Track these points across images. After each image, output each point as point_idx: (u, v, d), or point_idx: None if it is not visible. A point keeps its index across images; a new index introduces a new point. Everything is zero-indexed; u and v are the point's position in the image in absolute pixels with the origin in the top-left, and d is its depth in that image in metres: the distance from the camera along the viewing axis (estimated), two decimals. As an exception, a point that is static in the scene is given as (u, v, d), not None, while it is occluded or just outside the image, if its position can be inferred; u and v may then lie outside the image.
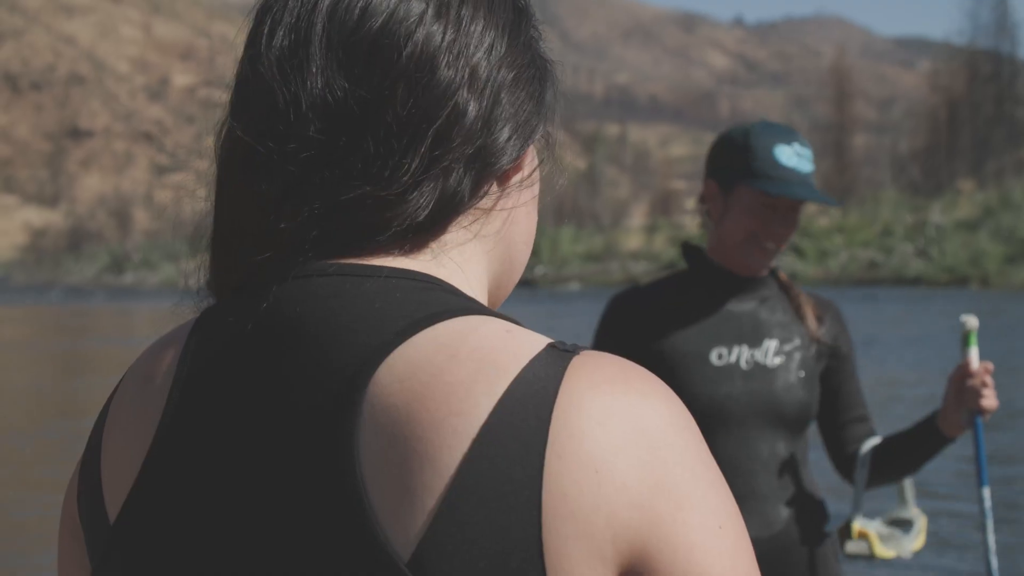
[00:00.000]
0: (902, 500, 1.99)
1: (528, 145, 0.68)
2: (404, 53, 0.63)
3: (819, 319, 1.96)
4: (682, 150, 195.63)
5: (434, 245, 0.64)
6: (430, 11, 0.64)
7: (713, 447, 1.86)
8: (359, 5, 0.64)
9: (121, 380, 0.67)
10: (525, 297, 33.67)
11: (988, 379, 1.85)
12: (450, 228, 0.65)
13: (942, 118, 68.91)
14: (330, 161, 0.62)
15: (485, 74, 0.65)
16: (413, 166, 0.62)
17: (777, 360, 1.89)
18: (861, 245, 42.27)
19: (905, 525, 1.95)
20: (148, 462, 0.62)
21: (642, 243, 52.37)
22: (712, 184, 1.92)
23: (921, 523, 1.96)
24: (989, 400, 1.84)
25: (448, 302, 0.60)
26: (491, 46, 0.66)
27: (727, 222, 1.89)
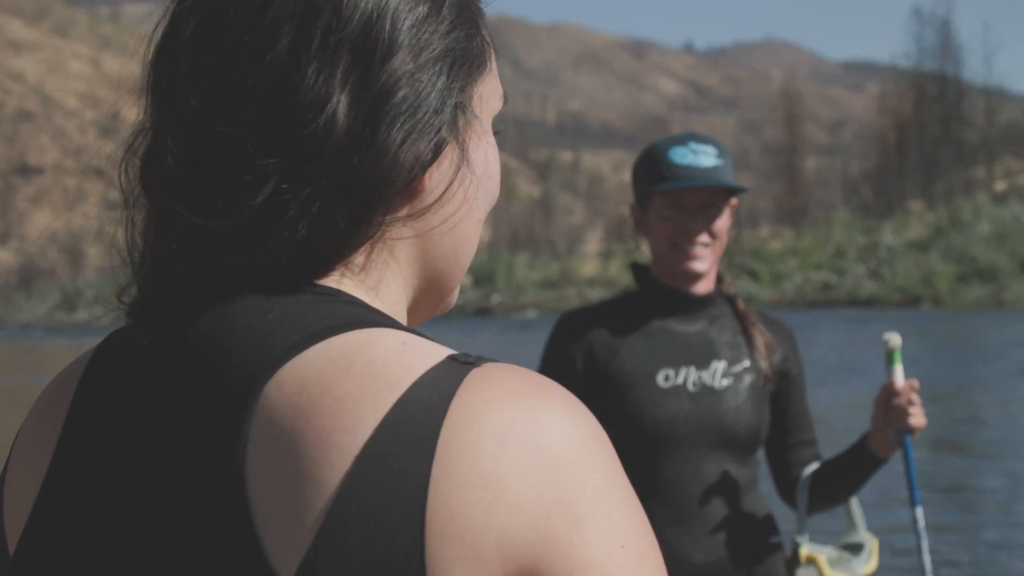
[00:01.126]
0: (852, 524, 1.98)
1: (433, 158, 0.61)
2: (259, 72, 0.58)
3: (770, 342, 1.93)
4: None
5: (333, 270, 0.61)
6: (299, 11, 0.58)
7: (660, 470, 1.83)
8: (220, 19, 0.59)
9: (26, 416, 0.66)
10: (481, 325, 33.43)
11: (914, 397, 1.82)
12: (345, 256, 0.60)
13: (891, 140, 70.10)
14: (190, 194, 0.59)
15: (361, 82, 0.58)
16: (265, 200, 0.57)
17: (725, 382, 1.87)
18: (815, 267, 42.58)
19: (857, 549, 1.93)
20: (43, 490, 0.61)
21: (598, 269, 52.43)
22: (634, 207, 1.95)
23: (872, 546, 1.94)
24: (916, 418, 1.81)
25: (347, 313, 0.58)
26: (373, 48, 0.59)
27: (651, 237, 1.91)
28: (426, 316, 0.67)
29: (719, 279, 1.98)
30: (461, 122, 0.63)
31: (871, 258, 40.84)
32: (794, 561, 1.90)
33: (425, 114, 0.60)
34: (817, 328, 25.42)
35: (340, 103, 0.57)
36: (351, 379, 0.54)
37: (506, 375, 0.56)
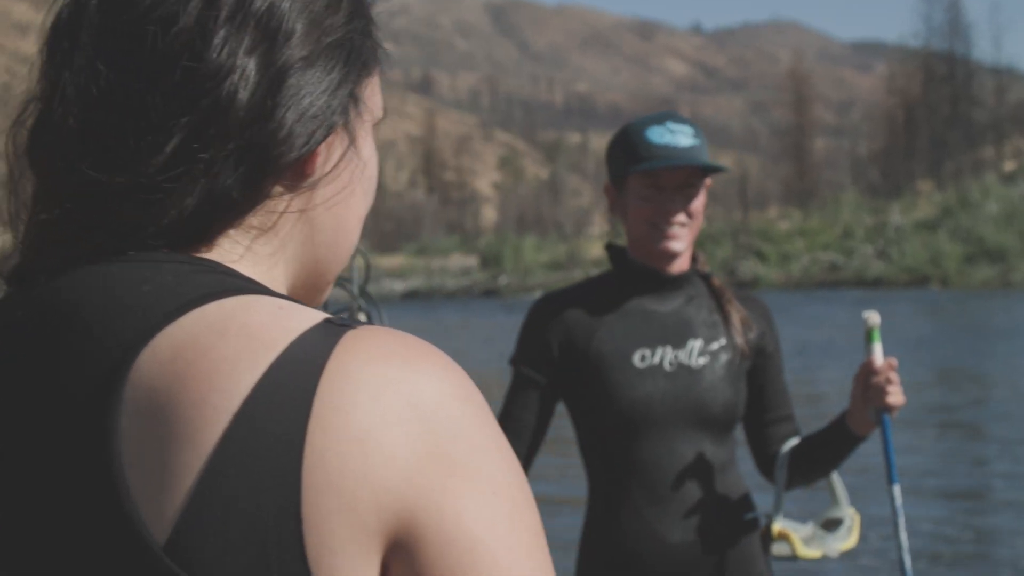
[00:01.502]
0: (834, 500, 1.97)
1: (324, 137, 0.63)
2: (167, 37, 0.60)
3: (746, 319, 1.94)
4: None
5: (218, 239, 0.62)
6: None
7: (637, 450, 1.84)
8: None
9: None
10: (489, 307, 33.37)
11: (893, 375, 1.81)
12: (231, 226, 0.62)
13: (899, 120, 69.69)
14: (90, 153, 0.59)
15: (264, 58, 0.61)
16: (165, 160, 0.59)
17: (701, 360, 1.88)
18: (822, 248, 42.44)
19: (838, 524, 1.92)
20: None
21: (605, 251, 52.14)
22: (609, 188, 1.94)
23: (853, 521, 1.94)
24: (894, 397, 1.80)
25: (223, 283, 0.59)
26: (278, 26, 0.62)
27: (628, 218, 1.90)
28: (313, 292, 0.69)
29: (694, 258, 1.98)
30: (352, 111, 0.65)
31: (879, 239, 40.67)
32: (768, 536, 1.91)
33: (321, 95, 0.62)
34: (825, 309, 25.29)
35: (243, 75, 0.59)
36: (227, 342, 0.55)
37: (381, 336, 0.57)
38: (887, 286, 36.56)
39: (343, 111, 0.65)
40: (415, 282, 49.62)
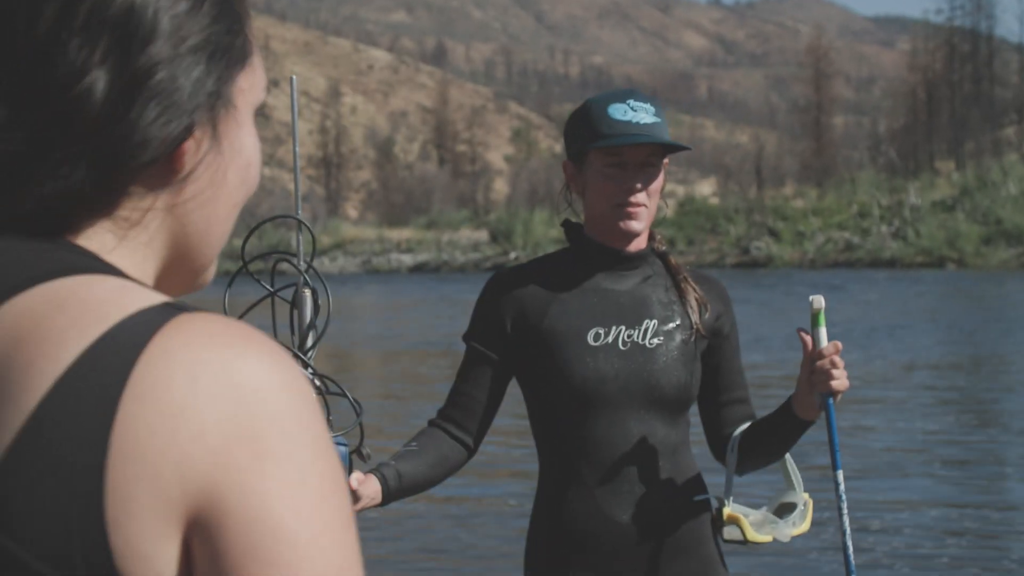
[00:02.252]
0: (788, 485, 1.95)
1: (183, 139, 0.64)
2: (25, 41, 0.61)
3: (702, 298, 1.92)
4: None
5: (88, 230, 0.64)
6: None
7: (589, 429, 1.82)
8: None
9: None
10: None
11: (837, 360, 1.79)
12: (99, 219, 0.64)
13: (920, 98, 68.52)
14: None
15: (119, 63, 0.62)
16: (14, 158, 0.61)
17: (656, 340, 1.86)
18: (837, 227, 41.72)
19: (791, 510, 1.91)
20: None
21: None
22: (568, 165, 1.93)
23: (805, 507, 1.92)
24: (839, 381, 1.78)
25: (78, 262, 0.61)
26: (134, 31, 0.62)
27: (587, 195, 1.88)
28: (179, 290, 0.70)
29: (650, 236, 1.95)
30: (217, 109, 0.66)
31: (895, 218, 39.92)
32: (719, 520, 1.88)
33: (179, 98, 0.63)
34: (838, 289, 24.82)
35: (96, 79, 0.61)
36: (63, 314, 0.58)
37: (211, 321, 0.59)
38: (903, 266, 35.96)
39: (209, 108, 0.65)
40: (424, 256, 49.22)
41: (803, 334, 1.82)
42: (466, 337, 1.92)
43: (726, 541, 1.90)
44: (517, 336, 1.87)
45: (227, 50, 0.67)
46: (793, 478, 1.96)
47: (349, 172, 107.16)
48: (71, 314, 0.58)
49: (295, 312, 1.68)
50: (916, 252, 37.20)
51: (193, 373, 0.56)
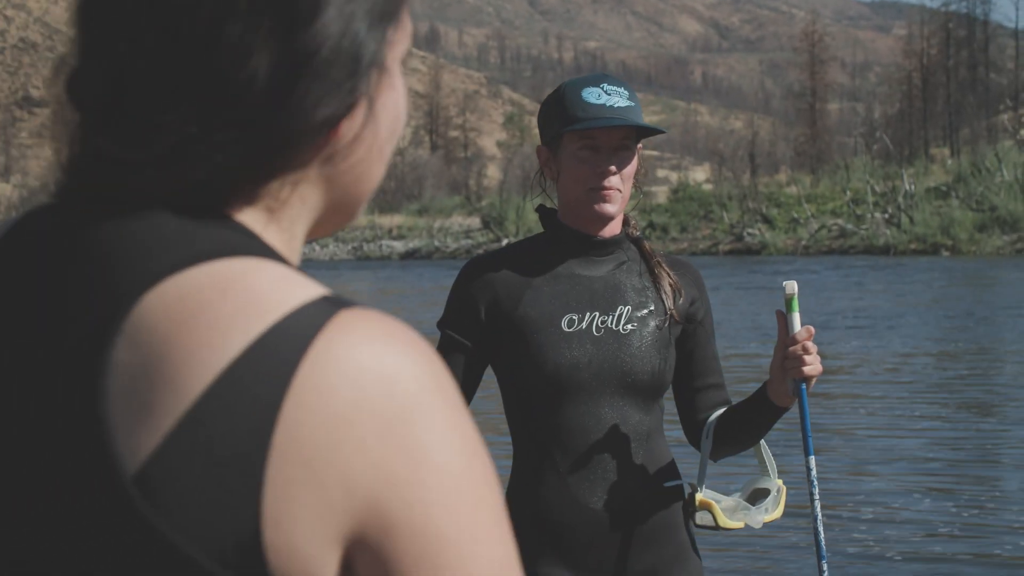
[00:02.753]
0: (763, 471, 1.96)
1: (344, 115, 0.64)
2: (190, 22, 0.60)
3: (676, 284, 1.93)
4: (654, 118, 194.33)
5: (244, 206, 0.64)
6: None
7: (563, 415, 1.83)
8: None
9: None
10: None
11: (809, 345, 1.79)
12: (255, 195, 0.64)
13: (915, 84, 68.24)
14: (115, 119, 0.61)
15: (282, 44, 0.61)
16: (179, 137, 0.60)
17: (630, 326, 1.86)
18: (831, 214, 41.48)
19: (764, 496, 1.92)
20: None
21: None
22: (542, 150, 1.93)
23: (778, 494, 1.92)
24: (811, 367, 1.78)
25: (238, 242, 0.61)
26: (296, 11, 0.61)
27: (562, 179, 1.88)
28: (332, 230, 0.71)
29: (625, 222, 1.95)
30: (374, 79, 0.65)
31: (889, 205, 39.68)
32: (691, 506, 1.88)
33: (341, 77, 0.63)
34: (831, 276, 24.62)
35: (261, 63, 0.60)
36: (228, 301, 0.58)
37: (371, 320, 0.59)
38: (897, 253, 35.78)
39: (365, 84, 0.65)
40: (416, 242, 48.87)
41: (781, 316, 1.81)
42: (440, 324, 1.92)
43: (698, 527, 1.90)
44: (491, 323, 1.87)
45: (386, 10, 0.66)
46: (768, 464, 1.96)
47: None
48: (235, 303, 0.58)
49: None
50: (910, 239, 36.99)
51: (352, 378, 0.57)
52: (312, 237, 0.69)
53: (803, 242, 39.00)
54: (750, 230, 40.61)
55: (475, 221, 50.19)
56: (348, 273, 34.96)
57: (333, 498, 0.56)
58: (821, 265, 29.59)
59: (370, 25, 0.64)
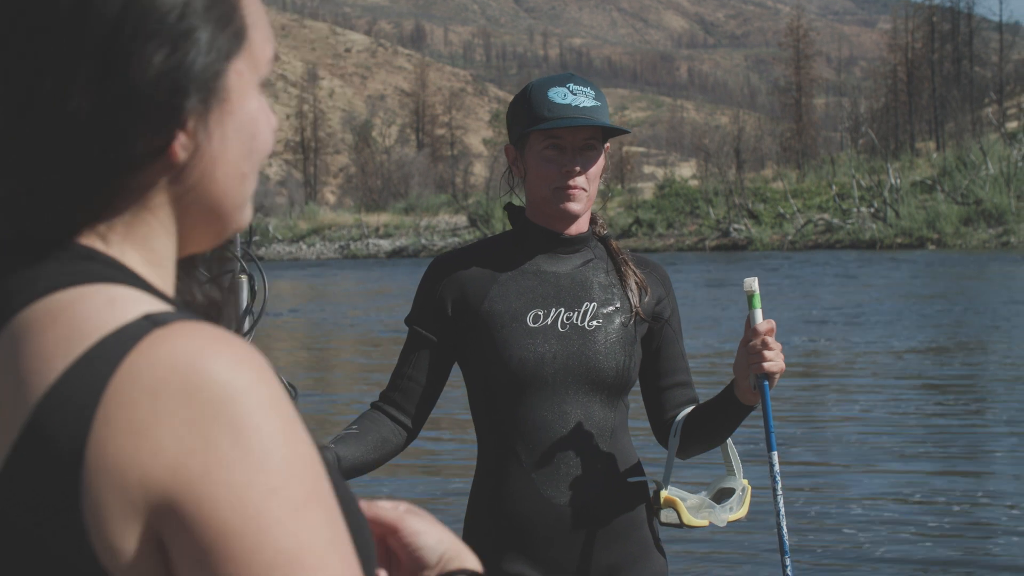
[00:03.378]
0: (729, 470, 1.96)
1: (172, 140, 0.69)
2: (16, 64, 0.67)
3: (643, 282, 1.93)
4: (639, 114, 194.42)
5: (97, 227, 0.69)
6: None
7: (527, 411, 1.84)
8: None
9: None
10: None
11: (770, 340, 1.79)
12: (94, 222, 0.69)
13: (901, 78, 68.42)
14: None
15: (101, 80, 0.66)
16: (14, 176, 0.67)
17: (595, 323, 1.87)
18: (817, 208, 41.52)
19: (730, 495, 1.93)
20: None
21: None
22: (510, 149, 1.95)
23: (744, 493, 1.94)
24: (772, 363, 1.78)
25: (75, 271, 0.67)
26: (109, 47, 0.66)
27: (528, 178, 1.90)
28: (211, 244, 0.75)
29: (592, 220, 1.96)
30: (209, 102, 0.70)
31: (875, 199, 39.73)
32: (656, 503, 1.88)
33: (157, 113, 0.67)
34: (817, 271, 24.59)
35: (80, 107, 0.66)
36: (53, 330, 0.64)
37: (181, 332, 0.64)
38: (883, 247, 35.84)
39: (200, 103, 0.69)
40: (402, 241, 48.69)
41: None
42: (408, 320, 1.93)
43: (663, 524, 1.90)
44: (457, 318, 1.88)
45: (221, 50, 0.70)
46: (734, 463, 1.96)
47: (327, 156, 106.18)
48: (60, 332, 0.64)
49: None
50: (896, 233, 37.07)
51: (154, 392, 0.62)
52: (192, 251, 0.74)
53: (789, 237, 39.06)
54: (736, 225, 40.65)
55: (462, 219, 50.06)
56: (334, 272, 34.79)
57: (135, 499, 0.62)
58: (807, 260, 29.58)
59: (195, 58, 0.68)
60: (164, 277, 0.72)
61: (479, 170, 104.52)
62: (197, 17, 0.69)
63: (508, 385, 1.83)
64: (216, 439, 0.62)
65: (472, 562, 0.82)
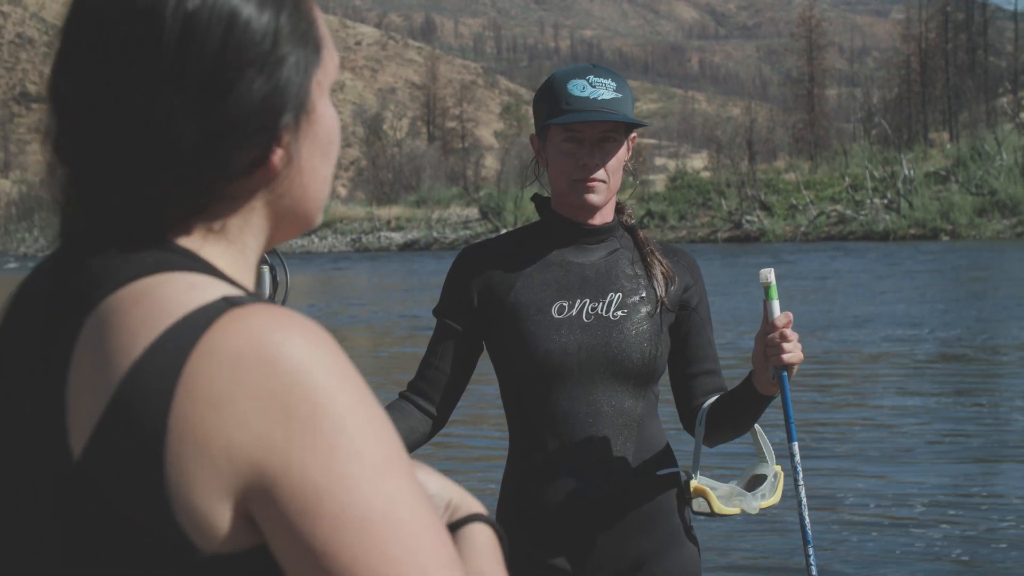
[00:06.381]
0: (760, 457, 1.97)
1: (270, 154, 0.75)
2: (117, 74, 0.72)
3: (669, 272, 1.93)
4: (651, 106, 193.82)
5: (192, 228, 0.75)
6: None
7: (554, 402, 1.85)
8: (100, 56, 0.74)
9: None
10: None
11: (788, 332, 1.79)
12: (188, 223, 0.75)
13: (914, 68, 67.96)
14: (88, 173, 0.74)
15: (201, 103, 0.72)
16: (132, 187, 0.73)
17: (620, 313, 1.87)
18: (830, 200, 41.32)
19: (762, 481, 1.93)
20: None
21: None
22: (534, 139, 1.97)
23: (776, 479, 1.93)
24: (790, 355, 1.78)
25: (164, 261, 0.73)
26: (209, 72, 0.73)
27: (549, 170, 1.91)
28: (292, 236, 0.82)
29: (619, 210, 1.96)
30: (299, 117, 0.77)
31: (888, 190, 39.51)
32: (686, 493, 1.88)
33: (258, 131, 0.74)
34: (830, 262, 24.49)
35: (186, 130, 0.72)
36: (137, 311, 0.70)
37: (257, 312, 0.70)
38: (896, 239, 35.65)
39: (287, 129, 0.76)
40: (414, 233, 48.69)
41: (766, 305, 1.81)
42: (436, 311, 1.94)
43: (695, 513, 1.90)
44: (484, 310, 1.89)
45: (306, 65, 0.77)
46: (765, 450, 1.96)
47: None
48: (144, 311, 0.70)
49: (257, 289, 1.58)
50: (910, 224, 36.86)
51: (233, 366, 0.67)
52: (273, 244, 0.81)
53: (802, 228, 38.88)
54: (748, 217, 40.49)
55: (473, 211, 50.02)
56: (347, 265, 34.81)
57: (220, 467, 0.66)
58: (820, 251, 29.46)
59: (289, 79, 0.75)
60: (245, 273, 0.78)
61: (490, 163, 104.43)
62: (286, 40, 0.75)
63: (534, 377, 1.84)
64: (296, 409, 0.67)
65: (478, 507, 0.84)
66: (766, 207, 41.36)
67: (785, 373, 1.80)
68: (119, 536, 0.68)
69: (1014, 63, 64.78)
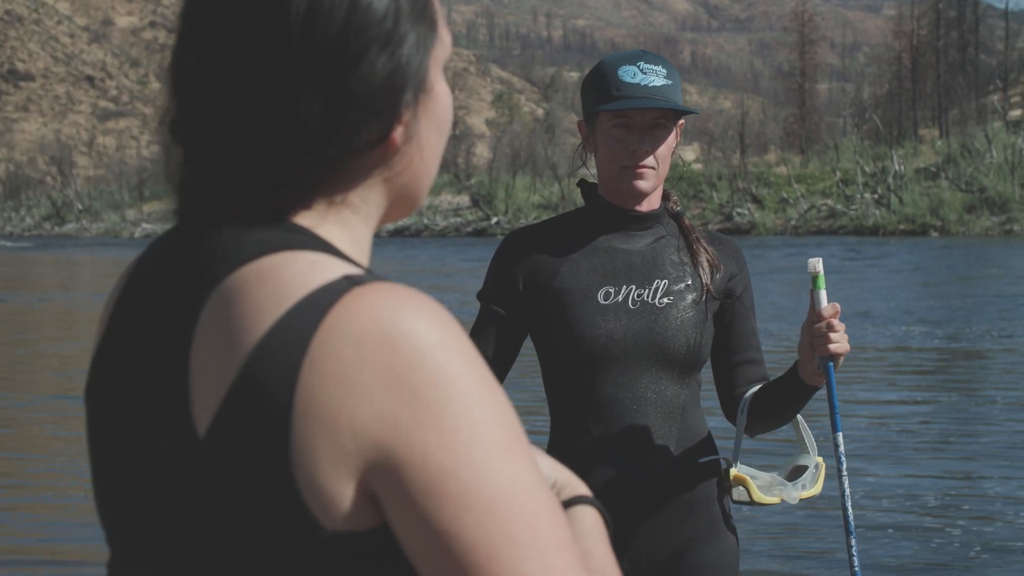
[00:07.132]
0: (802, 448, 1.97)
1: (390, 129, 0.76)
2: (252, 68, 0.73)
3: (714, 260, 1.93)
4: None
5: (313, 205, 0.76)
6: None
7: (599, 387, 1.85)
8: (233, 35, 0.74)
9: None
10: (481, 246, 32.61)
11: (835, 323, 1.79)
12: (321, 196, 0.76)
13: (905, 64, 68.17)
14: (208, 151, 0.75)
15: (327, 81, 0.73)
16: (254, 167, 0.74)
17: (666, 300, 1.87)
18: (820, 194, 41.45)
19: (803, 472, 1.93)
20: (97, 348, 0.81)
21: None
22: (582, 125, 1.96)
23: (817, 470, 1.93)
24: (837, 345, 1.79)
25: (285, 240, 0.73)
26: (333, 49, 0.74)
27: (598, 156, 1.91)
28: (398, 218, 0.83)
29: (665, 196, 1.96)
30: (418, 94, 0.78)
31: (879, 186, 39.66)
32: (726, 481, 1.89)
33: (382, 107, 0.75)
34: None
35: (312, 106, 0.73)
36: (262, 289, 0.71)
37: (379, 290, 0.70)
38: (886, 234, 35.78)
39: (406, 107, 0.76)
40: (404, 220, 48.42)
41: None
42: (480, 295, 1.94)
43: (735, 502, 1.90)
44: (529, 295, 1.89)
45: (420, 44, 0.77)
46: (806, 441, 1.96)
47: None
48: (268, 290, 0.70)
49: None
50: (899, 220, 37.03)
51: (358, 344, 0.67)
52: (385, 224, 0.82)
53: (792, 222, 39.01)
54: (739, 210, 40.58)
55: (464, 199, 49.89)
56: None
57: (345, 444, 0.67)
58: (810, 245, 29.56)
59: (410, 57, 0.76)
60: (361, 251, 0.78)
61: (481, 151, 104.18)
62: (406, 18, 0.75)
63: (579, 362, 1.84)
64: (421, 388, 0.67)
65: (584, 489, 0.85)
66: (757, 200, 41.47)
67: (832, 363, 1.80)
68: (245, 514, 0.68)
69: (1004, 61, 65.04)
